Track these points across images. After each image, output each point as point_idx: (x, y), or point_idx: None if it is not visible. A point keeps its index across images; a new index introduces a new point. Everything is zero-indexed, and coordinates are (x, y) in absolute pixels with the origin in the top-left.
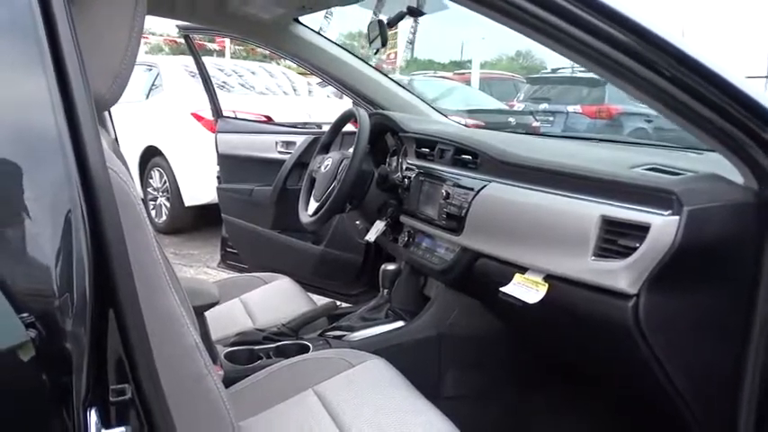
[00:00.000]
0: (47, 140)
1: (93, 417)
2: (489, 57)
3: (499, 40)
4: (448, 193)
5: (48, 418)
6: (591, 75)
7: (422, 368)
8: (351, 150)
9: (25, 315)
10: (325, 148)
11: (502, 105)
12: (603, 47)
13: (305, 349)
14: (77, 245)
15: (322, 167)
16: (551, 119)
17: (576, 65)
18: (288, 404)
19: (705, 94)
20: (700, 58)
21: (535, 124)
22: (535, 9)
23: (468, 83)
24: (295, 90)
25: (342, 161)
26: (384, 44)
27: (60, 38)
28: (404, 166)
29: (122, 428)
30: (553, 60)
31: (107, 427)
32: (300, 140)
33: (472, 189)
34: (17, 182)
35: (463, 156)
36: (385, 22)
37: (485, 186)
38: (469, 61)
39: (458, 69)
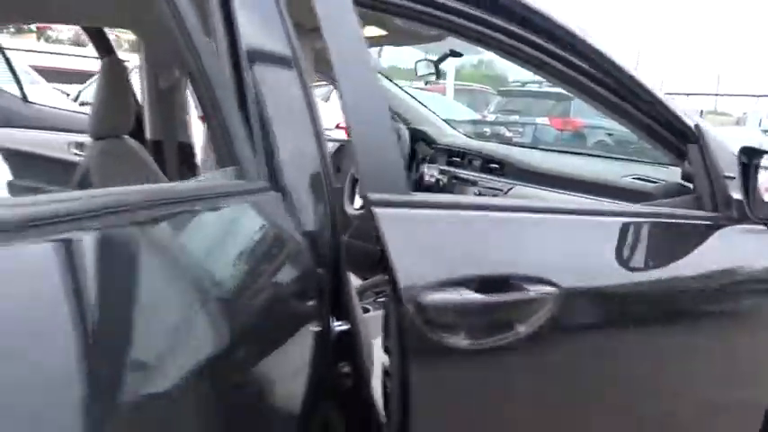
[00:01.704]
0: (320, 175)
1: (333, 320)
2: (451, 65)
3: (459, 49)
4: (480, 193)
5: (320, 317)
6: (557, 90)
7: None
8: None
9: (308, 273)
10: None
11: (477, 116)
12: (584, 80)
13: (366, 311)
14: (327, 242)
15: None
16: (521, 130)
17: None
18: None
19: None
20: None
21: (507, 134)
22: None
23: (442, 93)
24: None
25: None
26: (438, 77)
27: (317, 116)
28: (436, 171)
29: (341, 322)
30: (514, 70)
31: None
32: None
33: (501, 190)
34: (301, 198)
35: (490, 164)
36: (434, 60)
37: (511, 188)
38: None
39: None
